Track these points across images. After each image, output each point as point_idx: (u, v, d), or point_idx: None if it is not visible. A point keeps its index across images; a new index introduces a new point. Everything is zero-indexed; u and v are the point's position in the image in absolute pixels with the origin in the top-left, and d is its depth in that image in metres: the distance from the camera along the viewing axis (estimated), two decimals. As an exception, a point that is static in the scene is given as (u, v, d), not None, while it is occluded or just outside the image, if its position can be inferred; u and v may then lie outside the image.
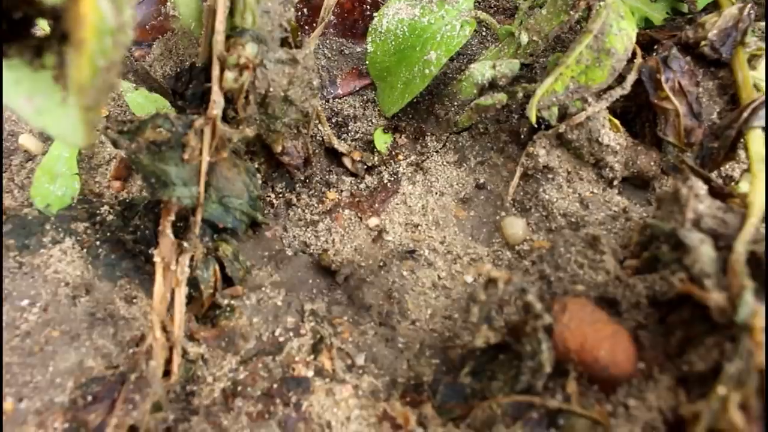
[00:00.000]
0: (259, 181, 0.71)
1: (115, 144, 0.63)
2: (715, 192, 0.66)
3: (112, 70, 0.47)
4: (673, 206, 0.62)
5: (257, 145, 0.72)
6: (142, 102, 0.78)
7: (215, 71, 0.63)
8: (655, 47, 0.77)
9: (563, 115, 0.72)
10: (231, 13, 0.66)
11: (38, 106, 0.50)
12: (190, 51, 0.77)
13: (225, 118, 0.66)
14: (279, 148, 0.72)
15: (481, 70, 0.70)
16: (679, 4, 0.83)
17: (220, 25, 0.63)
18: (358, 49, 0.84)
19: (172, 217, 0.64)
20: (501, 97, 0.70)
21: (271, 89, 0.64)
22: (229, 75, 0.62)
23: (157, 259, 0.64)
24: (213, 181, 0.66)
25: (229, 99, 0.65)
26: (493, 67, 0.70)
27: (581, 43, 0.66)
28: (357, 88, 0.82)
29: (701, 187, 0.62)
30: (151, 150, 0.63)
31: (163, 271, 0.64)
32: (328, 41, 0.84)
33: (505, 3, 0.90)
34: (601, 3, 0.66)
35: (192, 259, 0.65)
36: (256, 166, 0.74)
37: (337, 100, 0.82)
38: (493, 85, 0.71)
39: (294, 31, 0.70)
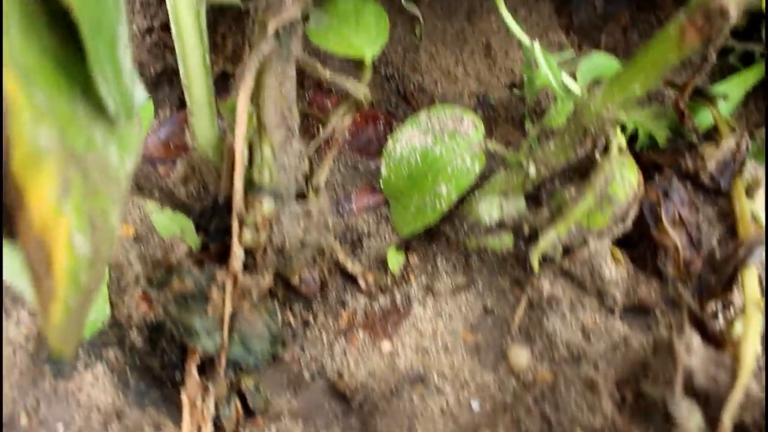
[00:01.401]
0: (279, 315, 0.75)
1: (145, 294, 0.68)
2: (709, 336, 0.69)
3: (87, 303, 0.48)
4: (667, 358, 0.66)
5: (275, 275, 0.76)
6: (168, 223, 0.82)
7: (235, 226, 0.67)
8: (657, 175, 0.80)
9: (566, 250, 0.75)
10: (249, 162, 0.70)
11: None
12: (210, 177, 0.81)
13: (244, 264, 0.70)
14: (296, 279, 0.77)
15: (489, 211, 0.74)
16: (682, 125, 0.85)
17: (239, 182, 0.67)
18: (372, 165, 0.88)
19: (198, 360, 0.69)
20: (507, 241, 0.74)
21: (287, 242, 0.69)
22: (248, 234, 0.67)
23: (184, 398, 0.69)
24: (235, 325, 0.70)
25: (249, 250, 0.69)
26: (500, 207, 0.74)
27: (585, 199, 0.69)
28: (371, 205, 0.86)
29: (695, 339, 0.66)
30: (178, 301, 0.67)
31: (189, 409, 0.69)
32: (342, 157, 0.88)
33: (513, 112, 0.93)
34: (604, 155, 0.70)
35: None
36: (273, 290, 0.78)
37: (351, 216, 0.86)
38: (500, 224, 0.75)
39: (307, 174, 0.74)
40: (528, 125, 0.89)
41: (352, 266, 0.81)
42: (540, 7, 0.96)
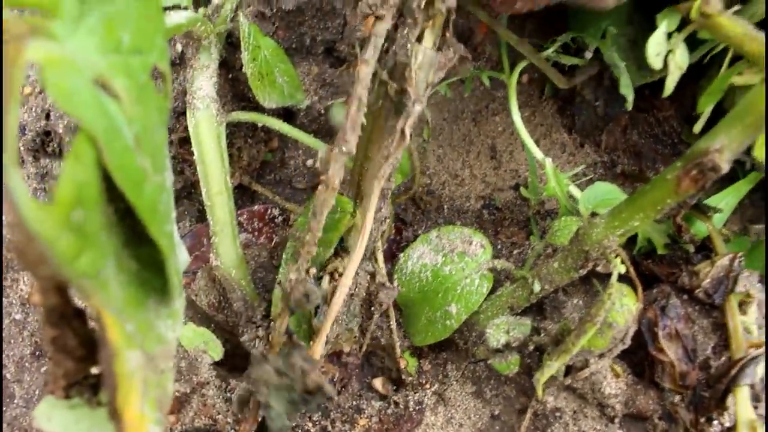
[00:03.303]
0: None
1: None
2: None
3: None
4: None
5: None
6: (192, 336, 0.87)
7: (338, 297, 0.72)
8: (655, 287, 0.85)
9: (569, 368, 0.80)
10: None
11: (97, 444, 0.58)
12: (232, 293, 0.86)
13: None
14: (348, 348, 0.82)
15: (496, 336, 0.78)
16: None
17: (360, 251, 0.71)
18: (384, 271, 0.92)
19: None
20: (514, 364, 0.79)
21: (357, 288, 0.74)
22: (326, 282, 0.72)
23: None
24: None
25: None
26: (507, 332, 0.78)
27: (586, 334, 0.74)
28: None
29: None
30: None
31: None
32: (356, 264, 0.92)
33: (518, 213, 0.97)
34: (605, 289, 0.74)
35: None
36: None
37: (364, 321, 0.90)
38: (507, 345, 0.80)
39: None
40: (534, 236, 0.93)
41: (396, 339, 0.86)
42: (543, 108, 1.00)
